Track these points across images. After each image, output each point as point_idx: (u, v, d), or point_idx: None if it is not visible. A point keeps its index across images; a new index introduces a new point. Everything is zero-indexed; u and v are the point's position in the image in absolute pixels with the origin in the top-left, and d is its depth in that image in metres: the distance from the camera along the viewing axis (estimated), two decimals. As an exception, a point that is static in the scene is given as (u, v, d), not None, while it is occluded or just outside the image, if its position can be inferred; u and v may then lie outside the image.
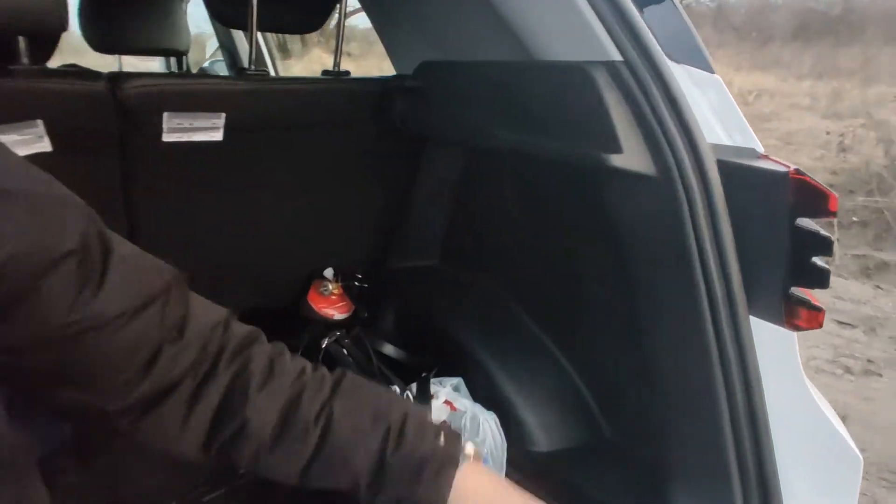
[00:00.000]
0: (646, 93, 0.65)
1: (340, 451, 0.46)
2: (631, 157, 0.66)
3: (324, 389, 0.48)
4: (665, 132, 0.65)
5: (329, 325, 1.12)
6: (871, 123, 4.32)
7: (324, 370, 0.50)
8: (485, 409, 0.96)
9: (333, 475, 0.47)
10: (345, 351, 0.99)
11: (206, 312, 0.47)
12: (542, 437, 0.94)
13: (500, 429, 0.93)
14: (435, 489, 0.47)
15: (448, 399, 0.96)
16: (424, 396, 0.96)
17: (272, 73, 2.01)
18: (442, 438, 0.48)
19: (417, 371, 1.06)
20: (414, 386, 0.99)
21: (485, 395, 0.99)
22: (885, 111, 4.83)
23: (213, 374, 0.45)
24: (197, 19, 2.06)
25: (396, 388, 0.89)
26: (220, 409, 0.45)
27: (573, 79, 0.68)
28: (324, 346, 0.99)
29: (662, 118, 0.65)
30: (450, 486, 0.47)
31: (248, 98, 0.83)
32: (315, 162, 1.01)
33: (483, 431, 0.93)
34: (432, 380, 1.02)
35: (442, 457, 0.47)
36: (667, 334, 0.72)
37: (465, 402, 0.95)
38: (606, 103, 0.66)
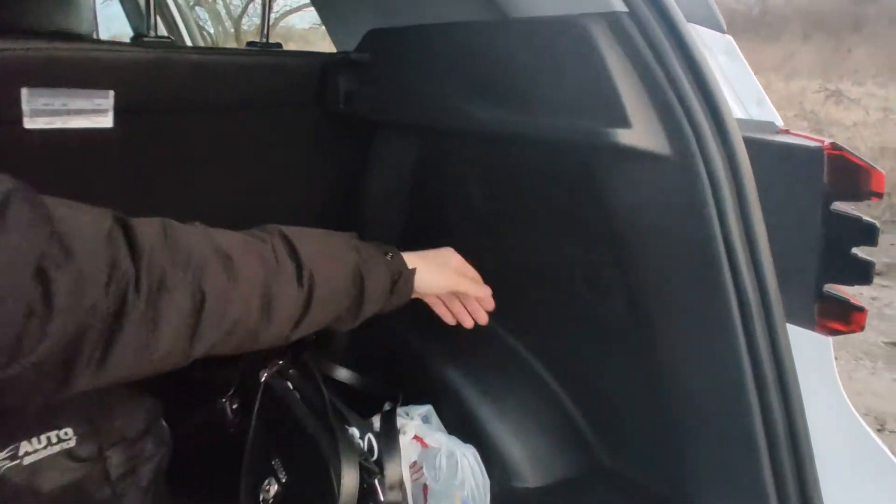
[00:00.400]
0: (657, 52, 0.52)
1: (322, 304, 0.55)
2: (641, 132, 0.53)
3: (285, 270, 0.52)
4: (682, 101, 0.52)
5: (269, 353, 0.94)
6: (803, 114, 4.49)
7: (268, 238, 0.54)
8: (461, 443, 0.81)
9: (316, 326, 0.57)
10: (290, 384, 0.82)
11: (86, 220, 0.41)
12: (530, 470, 0.80)
13: (481, 465, 0.79)
14: (401, 296, 0.64)
15: (418, 434, 0.81)
16: (390, 433, 0.80)
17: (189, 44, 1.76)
18: (389, 255, 0.63)
19: (380, 400, 0.90)
20: (376, 420, 0.83)
21: (459, 423, 0.85)
22: (810, 103, 5.06)
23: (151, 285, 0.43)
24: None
25: (355, 431, 0.73)
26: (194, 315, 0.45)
27: (564, 36, 0.55)
28: (263, 378, 0.81)
29: (679, 84, 0.52)
30: (412, 287, 0.65)
31: (147, 71, 0.65)
32: (240, 153, 0.83)
33: (462, 471, 0.78)
34: (398, 410, 0.86)
35: (397, 267, 0.63)
36: (687, 348, 0.60)
37: (438, 437, 0.80)
38: (608, 66, 0.53)
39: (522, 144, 0.70)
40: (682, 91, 0.52)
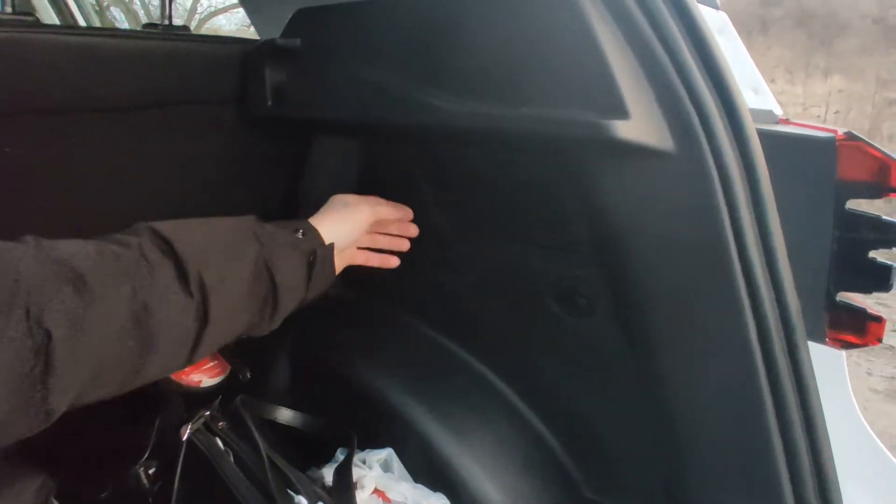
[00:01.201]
0: (660, 30, 0.43)
1: (225, 312, 0.45)
2: (640, 124, 0.44)
3: (162, 276, 0.41)
4: (690, 89, 0.44)
5: (195, 401, 0.79)
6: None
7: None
8: (430, 492, 0.70)
9: (224, 339, 0.47)
10: (219, 441, 0.67)
11: None
12: (508, 513, 0.71)
13: (455, 515, 0.68)
14: (324, 277, 0.56)
15: (379, 487, 0.69)
16: (344, 487, 0.68)
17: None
18: (299, 232, 0.54)
19: (331, 446, 0.77)
20: (328, 473, 0.70)
21: (426, 467, 0.74)
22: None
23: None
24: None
25: (302, 500, 0.60)
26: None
27: (546, 8, 0.45)
28: (185, 436, 0.67)
29: (683, 64, 0.44)
30: (333, 263, 0.56)
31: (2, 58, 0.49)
32: (144, 163, 0.68)
33: (433, 526, 0.67)
34: (355, 455, 0.74)
35: (310, 245, 0.54)
36: (693, 372, 0.52)
37: (403, 489, 0.68)
38: (601, 44, 0.43)
39: (489, 141, 0.60)
40: (690, 77, 0.43)
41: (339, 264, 0.60)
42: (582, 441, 0.72)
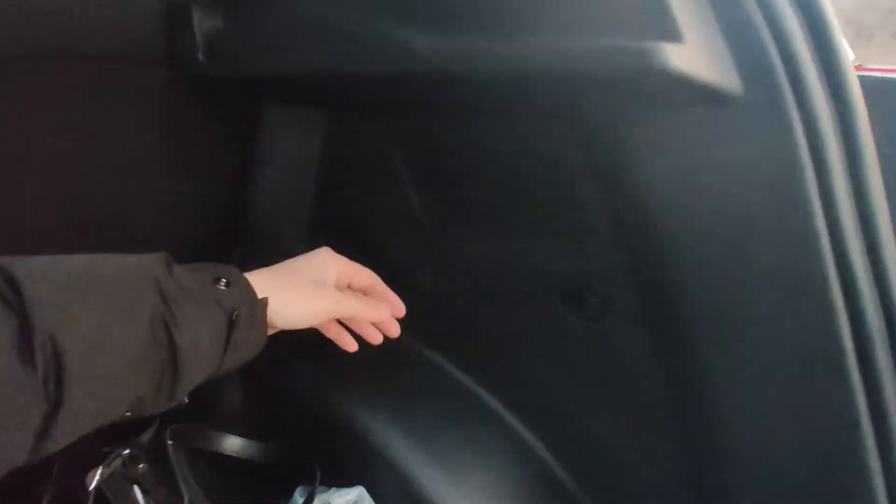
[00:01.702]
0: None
1: (92, 387, 0.32)
2: (696, 51, 0.32)
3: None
4: (766, 7, 0.32)
5: (112, 434, 0.64)
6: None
7: None
8: (412, 540, 0.58)
9: (92, 422, 0.33)
10: (137, 491, 0.53)
11: None
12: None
13: (442, 568, 0.56)
14: (248, 345, 0.40)
15: (349, 537, 0.55)
16: (305, 538, 0.55)
17: None
18: (222, 282, 0.39)
19: (290, 481, 0.63)
20: (284, 519, 0.57)
21: (405, 507, 0.61)
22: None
23: None
24: None
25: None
26: None
27: None
28: (92, 485, 0.52)
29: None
30: (264, 329, 0.42)
31: None
32: (39, 135, 0.53)
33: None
34: (318, 496, 0.60)
35: (234, 303, 0.39)
36: (763, 394, 0.40)
37: (379, 540, 0.55)
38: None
39: (482, 99, 0.47)
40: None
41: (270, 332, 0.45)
42: (594, 468, 0.60)
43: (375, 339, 0.54)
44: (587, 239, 0.53)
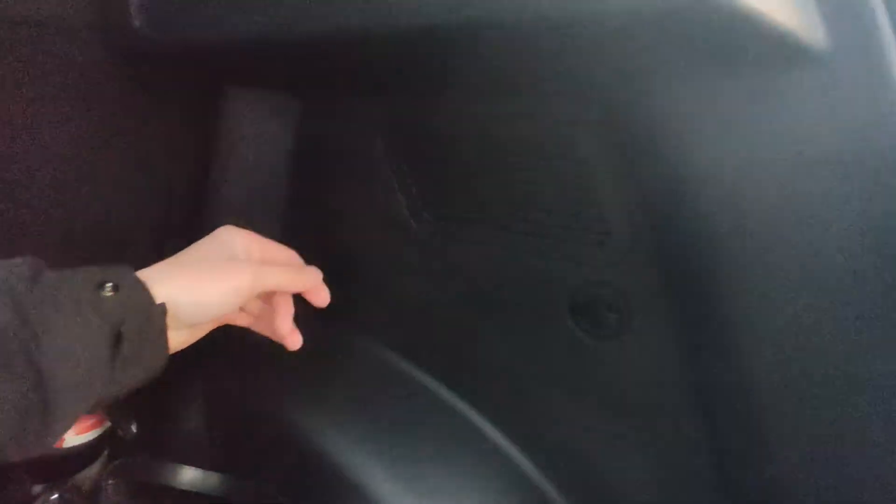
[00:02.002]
0: None
1: None
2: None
3: None
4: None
5: (53, 469, 0.55)
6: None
7: None
8: None
9: None
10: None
11: None
12: None
13: None
14: (145, 363, 0.32)
15: None
16: None
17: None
18: (107, 287, 0.30)
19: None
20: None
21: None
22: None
23: None
24: None
25: None
26: None
27: None
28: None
29: None
30: (164, 338, 0.33)
31: None
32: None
33: None
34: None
35: (122, 309, 0.30)
36: (826, 419, 0.31)
37: None
38: None
39: (479, 64, 0.38)
40: None
41: (183, 341, 0.37)
42: (591, 490, 0.51)
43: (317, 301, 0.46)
44: (601, 244, 0.44)
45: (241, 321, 0.46)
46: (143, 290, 0.32)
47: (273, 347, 0.65)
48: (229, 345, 0.65)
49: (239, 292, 0.38)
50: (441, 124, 0.49)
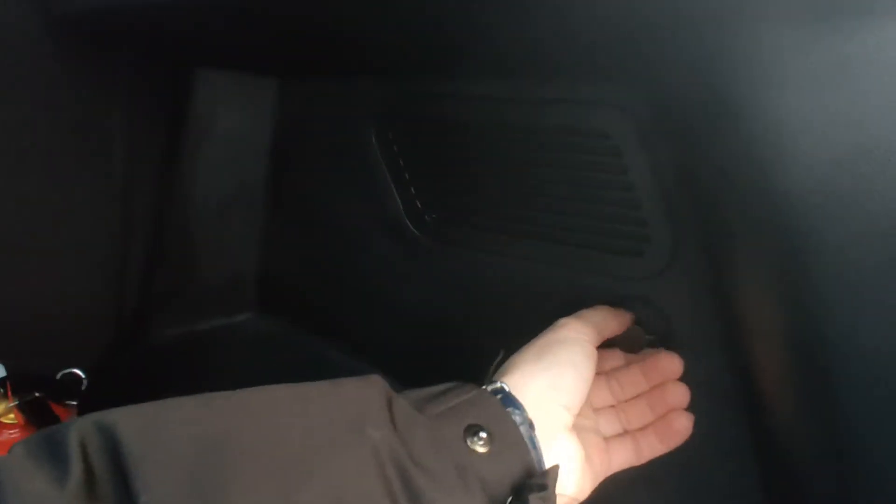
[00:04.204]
0: None
1: None
2: None
3: None
4: None
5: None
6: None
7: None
8: None
9: None
10: None
11: None
12: None
13: None
14: None
15: None
16: None
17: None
18: (479, 440, 0.23)
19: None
20: None
21: None
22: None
23: None
24: None
25: None
26: None
27: None
28: None
29: None
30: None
31: None
32: None
33: None
34: None
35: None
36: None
37: None
38: None
39: (483, 33, 0.31)
40: None
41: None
42: None
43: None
44: (639, 252, 0.37)
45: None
46: (526, 445, 0.24)
47: (251, 369, 0.58)
48: (200, 366, 0.58)
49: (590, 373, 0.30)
50: (446, 111, 0.42)
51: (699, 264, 0.35)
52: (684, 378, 0.37)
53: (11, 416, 0.50)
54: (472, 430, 0.23)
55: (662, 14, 0.23)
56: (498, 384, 0.29)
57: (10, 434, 0.50)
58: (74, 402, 0.53)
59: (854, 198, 0.23)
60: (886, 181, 0.22)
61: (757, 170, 0.25)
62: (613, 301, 0.39)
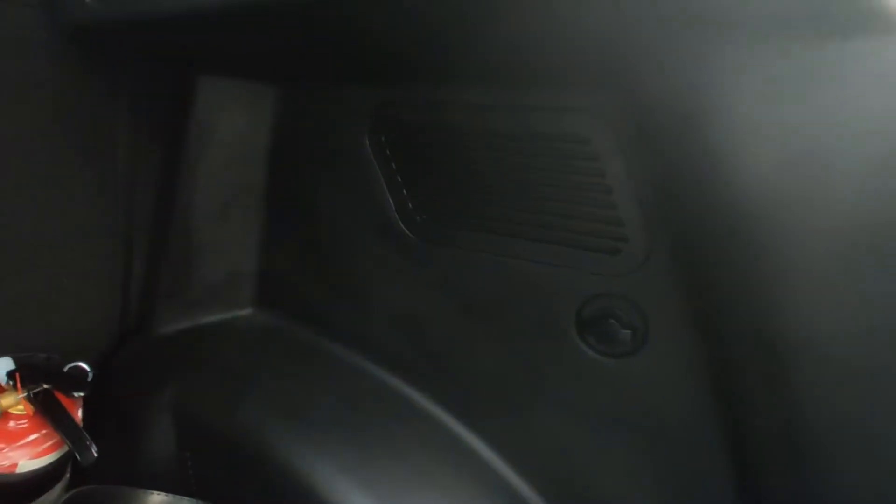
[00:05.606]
0: None
1: None
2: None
3: None
4: None
5: (5, 498, 0.50)
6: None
7: None
8: None
9: None
10: None
11: None
12: None
13: None
14: None
15: None
16: None
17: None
18: None
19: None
20: None
21: None
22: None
23: None
24: None
25: None
26: None
27: None
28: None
29: None
30: None
31: None
32: None
33: None
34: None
35: None
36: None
37: None
38: None
39: (480, 39, 0.33)
40: None
41: None
42: None
43: None
44: (617, 250, 0.39)
45: None
46: None
47: (249, 362, 0.60)
48: (202, 359, 0.60)
49: None
50: (436, 117, 0.44)
51: (672, 262, 0.37)
52: (659, 377, 0.40)
53: (20, 406, 0.52)
54: None
55: (635, 32, 0.25)
56: None
57: (20, 424, 0.52)
58: (81, 394, 0.55)
59: (801, 198, 0.25)
60: (829, 182, 0.24)
61: (714, 172, 0.27)
62: (591, 296, 0.41)
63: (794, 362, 0.29)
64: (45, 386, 0.53)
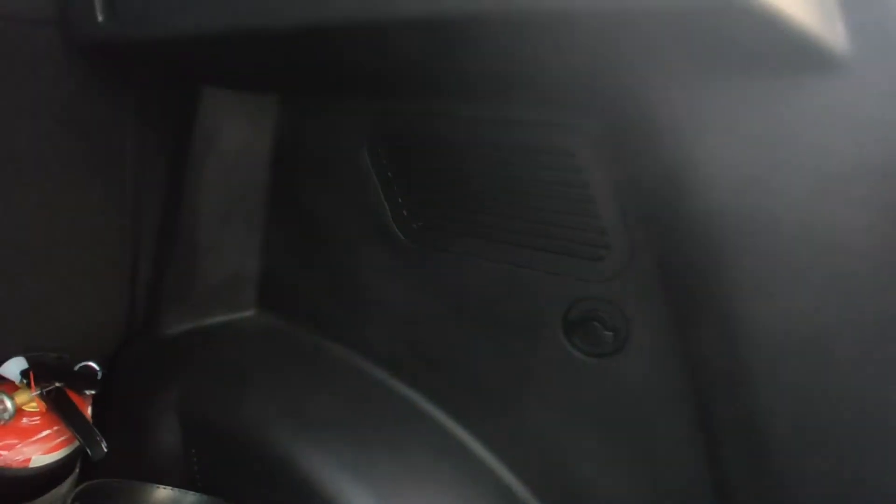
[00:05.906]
0: None
1: None
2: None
3: None
4: None
5: (18, 490, 0.52)
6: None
7: None
8: None
9: None
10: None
11: None
12: None
13: None
14: None
15: None
16: None
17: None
18: None
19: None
20: None
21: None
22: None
23: None
24: None
25: None
26: None
27: None
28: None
29: None
30: None
31: None
32: None
33: None
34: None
35: None
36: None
37: None
38: None
39: (467, 58, 0.35)
40: None
41: None
42: None
43: None
44: (601, 257, 0.41)
45: None
46: None
47: (252, 362, 0.62)
48: (206, 358, 0.63)
49: None
50: (430, 129, 0.46)
51: (652, 268, 0.39)
52: (640, 376, 0.42)
53: (34, 404, 0.54)
54: None
55: (611, 70, 0.27)
56: None
57: (33, 421, 0.54)
58: (91, 392, 0.57)
59: (764, 210, 0.27)
60: (791, 196, 0.27)
61: (686, 186, 0.29)
62: (577, 300, 0.44)
63: (755, 358, 0.31)
64: (58, 384, 0.55)
